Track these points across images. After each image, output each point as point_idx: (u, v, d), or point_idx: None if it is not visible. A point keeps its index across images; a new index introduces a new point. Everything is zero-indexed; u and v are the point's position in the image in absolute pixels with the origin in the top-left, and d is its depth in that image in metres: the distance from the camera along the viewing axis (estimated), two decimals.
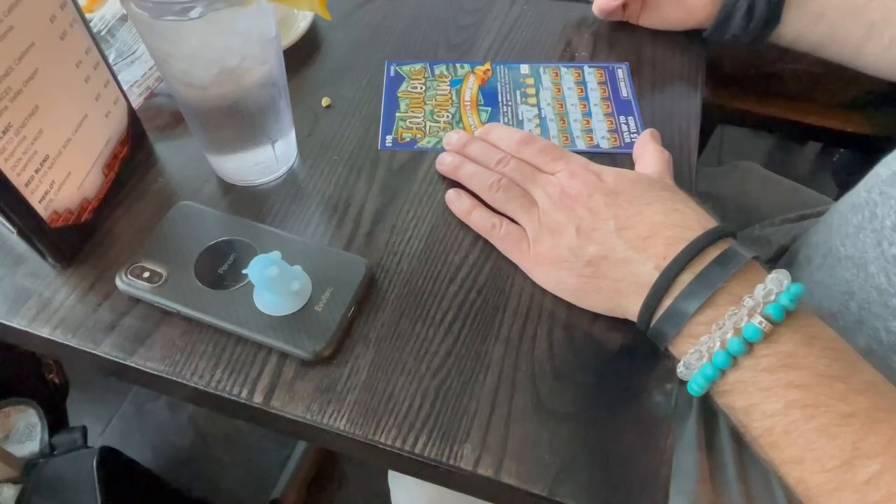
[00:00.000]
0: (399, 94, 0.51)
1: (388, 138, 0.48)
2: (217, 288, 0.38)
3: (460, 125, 0.49)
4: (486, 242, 0.42)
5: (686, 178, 0.45)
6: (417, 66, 0.54)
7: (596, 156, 0.45)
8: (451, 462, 0.33)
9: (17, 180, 0.35)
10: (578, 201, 0.37)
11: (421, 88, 0.52)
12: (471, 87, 0.52)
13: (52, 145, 0.38)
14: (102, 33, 0.50)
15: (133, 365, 0.37)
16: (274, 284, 0.35)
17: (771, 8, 0.50)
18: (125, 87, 0.45)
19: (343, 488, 1.07)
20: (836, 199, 0.48)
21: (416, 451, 0.33)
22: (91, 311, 0.39)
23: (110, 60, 0.43)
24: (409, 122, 0.49)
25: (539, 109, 0.50)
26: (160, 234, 0.41)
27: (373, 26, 0.57)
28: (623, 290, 0.35)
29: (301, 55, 0.54)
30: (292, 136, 0.46)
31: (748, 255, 0.32)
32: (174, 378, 0.36)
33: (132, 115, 0.46)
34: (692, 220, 0.34)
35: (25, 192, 0.36)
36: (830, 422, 0.28)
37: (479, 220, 0.42)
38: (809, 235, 0.48)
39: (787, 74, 0.89)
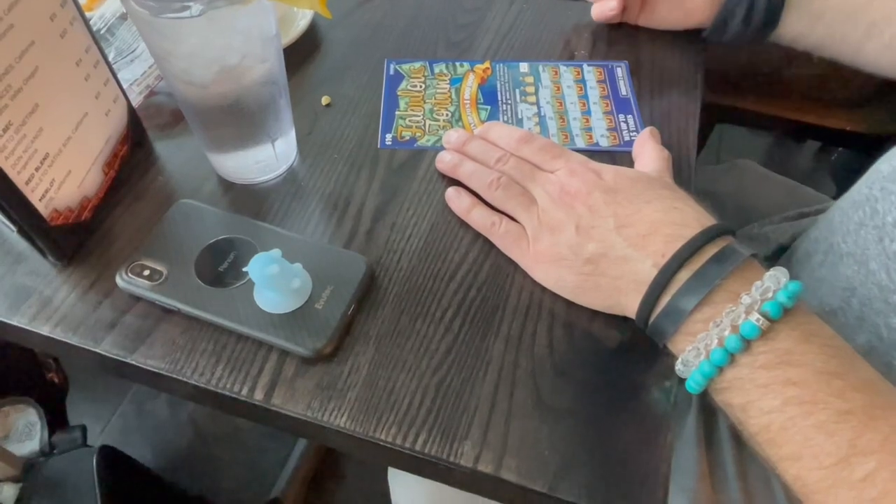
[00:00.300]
0: (399, 93, 0.52)
1: (388, 137, 0.48)
2: (217, 286, 0.38)
3: (460, 123, 0.49)
4: (486, 240, 0.42)
5: (685, 176, 0.45)
6: (417, 65, 0.54)
7: (595, 154, 0.45)
8: (452, 459, 0.33)
9: (18, 178, 0.35)
10: (578, 199, 0.38)
11: (420, 87, 0.52)
12: (470, 86, 0.52)
13: (52, 143, 0.38)
14: (102, 32, 0.50)
15: (134, 363, 0.37)
16: (274, 282, 0.36)
17: (770, 10, 0.50)
18: (125, 86, 0.45)
19: (343, 487, 1.07)
20: (835, 197, 0.49)
21: (417, 448, 0.33)
22: (91, 309, 0.39)
23: (110, 59, 0.43)
24: (409, 121, 0.49)
25: (538, 108, 0.50)
26: (160, 233, 0.41)
27: (372, 25, 0.57)
28: (622, 288, 0.35)
29: (301, 54, 0.54)
30: (292, 134, 0.46)
31: (746, 252, 0.32)
32: (175, 376, 0.36)
33: (132, 114, 0.46)
34: (691, 218, 0.34)
35: (26, 191, 0.36)
36: (828, 419, 0.28)
37: (478, 218, 0.42)
38: (810, 232, 0.48)
39: (791, 79, 0.89)
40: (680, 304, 0.32)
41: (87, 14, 0.40)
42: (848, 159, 1.25)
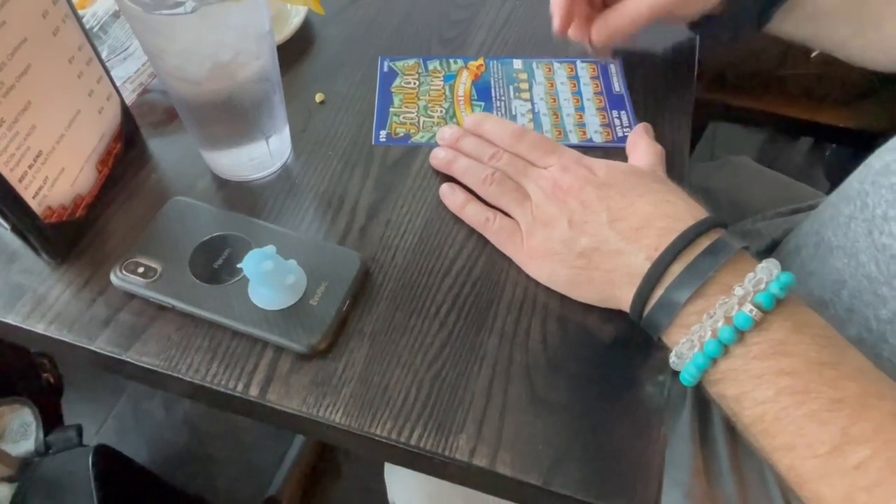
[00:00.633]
0: (393, 90, 0.52)
1: (382, 133, 0.48)
2: (212, 283, 0.38)
3: (454, 120, 0.49)
4: (480, 236, 0.42)
5: (678, 171, 0.45)
6: (411, 62, 0.54)
7: (589, 150, 0.45)
8: (447, 453, 0.33)
9: (11, 176, 0.35)
10: (570, 194, 0.38)
11: (414, 84, 0.52)
12: (464, 83, 0.52)
13: (45, 141, 0.38)
14: (95, 29, 0.50)
15: (129, 360, 0.37)
16: (269, 279, 0.36)
17: (760, 12, 0.49)
18: (118, 84, 0.45)
19: (339, 484, 1.07)
20: (828, 193, 0.49)
21: (412, 442, 0.34)
22: (86, 306, 0.39)
23: (103, 56, 0.43)
24: (403, 118, 0.49)
25: (532, 104, 0.50)
26: (154, 230, 0.41)
27: (366, 22, 0.57)
28: (616, 281, 0.35)
29: (294, 51, 0.54)
30: (286, 131, 0.46)
31: (738, 244, 0.32)
32: (170, 372, 0.36)
33: (125, 111, 0.46)
34: (683, 211, 0.34)
35: (19, 188, 0.36)
36: (820, 408, 0.29)
37: (472, 213, 0.42)
38: (801, 226, 0.49)
39: (785, 77, 0.89)
40: (673, 297, 0.32)
41: (80, 11, 0.40)
42: (841, 156, 1.26)
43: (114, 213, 0.43)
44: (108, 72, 0.43)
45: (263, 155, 0.44)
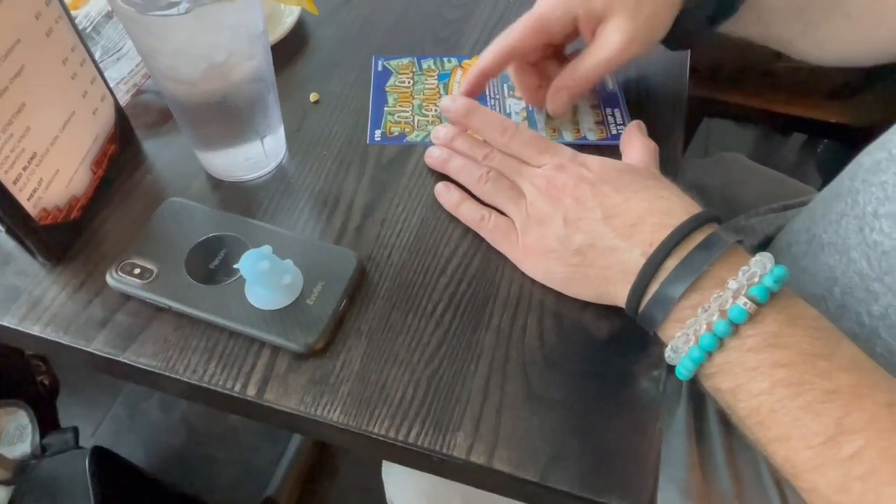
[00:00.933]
0: (387, 89, 0.52)
1: (377, 133, 0.48)
2: (208, 283, 0.38)
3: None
4: (476, 234, 0.42)
5: (672, 168, 0.45)
6: (405, 61, 0.54)
7: (583, 148, 0.45)
8: (444, 451, 0.33)
9: (5, 178, 0.35)
10: (565, 192, 0.38)
11: (409, 83, 0.52)
12: (458, 81, 0.52)
13: (39, 143, 0.38)
14: (88, 30, 0.50)
15: (125, 361, 0.37)
16: (265, 278, 0.36)
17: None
18: (112, 85, 0.45)
19: (337, 484, 1.07)
20: (820, 189, 0.49)
21: (410, 440, 0.34)
22: (82, 308, 0.39)
23: (96, 57, 0.43)
24: (398, 117, 0.50)
25: (526, 102, 0.50)
26: (150, 231, 0.41)
27: (360, 21, 0.57)
28: (611, 278, 0.36)
29: (288, 51, 0.54)
30: (281, 131, 0.46)
31: (731, 239, 0.33)
32: (167, 373, 0.36)
33: (119, 113, 0.46)
34: (677, 207, 0.35)
35: (13, 190, 0.36)
36: (815, 399, 0.29)
37: (468, 212, 0.42)
38: (793, 223, 0.49)
39: (779, 73, 0.89)
40: (668, 292, 0.32)
41: (73, 12, 0.40)
42: (833, 152, 1.27)
43: (109, 215, 0.43)
44: (101, 73, 0.43)
45: (258, 155, 0.44)
